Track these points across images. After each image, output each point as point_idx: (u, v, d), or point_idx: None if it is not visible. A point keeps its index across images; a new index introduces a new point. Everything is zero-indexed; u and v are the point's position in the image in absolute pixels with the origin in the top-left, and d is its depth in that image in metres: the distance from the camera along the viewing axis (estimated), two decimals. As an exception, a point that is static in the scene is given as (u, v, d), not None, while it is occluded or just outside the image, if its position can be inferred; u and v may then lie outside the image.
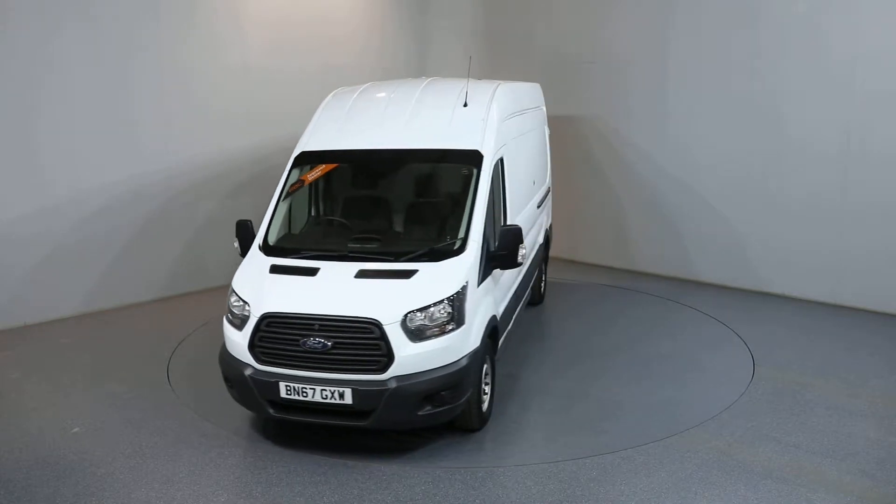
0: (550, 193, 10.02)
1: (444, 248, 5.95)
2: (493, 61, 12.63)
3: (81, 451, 5.85)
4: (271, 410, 5.67)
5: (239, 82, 10.38)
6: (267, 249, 6.31)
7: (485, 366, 5.98)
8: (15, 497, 5.21)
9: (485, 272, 6.00)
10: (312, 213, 7.07)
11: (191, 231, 10.13)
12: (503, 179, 6.84)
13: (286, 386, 5.51)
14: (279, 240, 6.49)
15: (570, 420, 6.34)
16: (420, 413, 5.43)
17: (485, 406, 6.07)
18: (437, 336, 5.44)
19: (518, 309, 7.67)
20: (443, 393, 5.43)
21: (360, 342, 5.40)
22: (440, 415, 5.53)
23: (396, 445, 5.88)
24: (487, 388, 6.13)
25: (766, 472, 5.40)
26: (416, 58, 12.69)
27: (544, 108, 9.82)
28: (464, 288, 5.62)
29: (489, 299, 6.09)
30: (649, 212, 10.89)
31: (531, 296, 9.06)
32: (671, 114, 10.44)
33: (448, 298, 5.50)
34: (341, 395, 5.39)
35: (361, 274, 5.72)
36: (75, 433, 6.16)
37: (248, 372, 5.64)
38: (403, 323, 5.38)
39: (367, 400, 5.37)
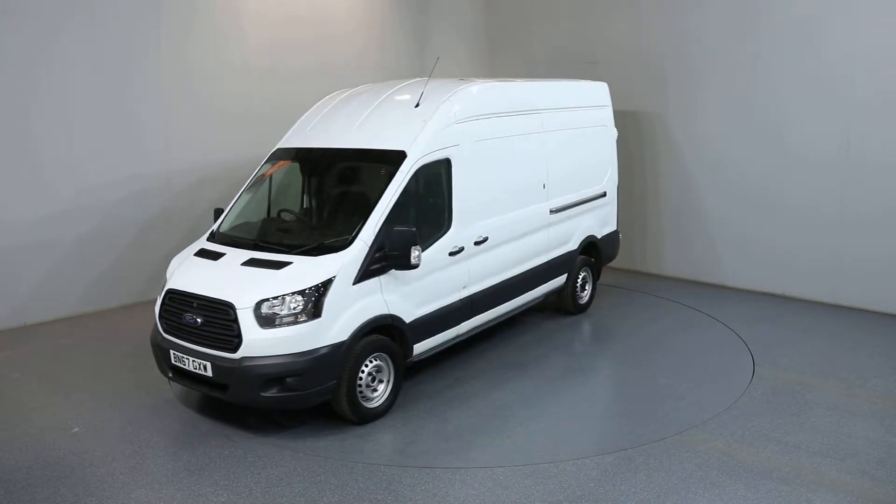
0: (608, 199, 9.34)
1: (333, 243, 6.20)
2: (494, 61, 12.66)
3: (81, 451, 5.85)
4: (170, 374, 6.41)
5: (239, 81, 10.38)
6: (214, 235, 7.01)
7: (373, 363, 6.22)
8: (15, 497, 5.21)
9: (369, 271, 6.12)
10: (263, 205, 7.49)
11: (191, 230, 10.12)
12: (450, 181, 6.87)
13: (174, 354, 6.24)
14: (228, 228, 7.06)
15: (568, 419, 6.33)
16: (265, 394, 5.81)
17: (376, 403, 6.30)
18: (289, 325, 5.76)
19: (481, 318, 7.41)
20: (288, 379, 5.77)
21: (219, 322, 5.93)
22: (288, 400, 5.90)
23: (396, 446, 5.88)
24: (381, 386, 6.34)
25: (766, 472, 5.40)
26: (416, 57, 12.69)
27: (605, 110, 9.30)
28: (326, 283, 5.87)
29: (377, 298, 6.19)
30: (649, 213, 10.89)
31: (566, 304, 8.89)
32: (672, 115, 10.45)
33: (301, 291, 5.80)
34: (205, 368, 6.00)
35: (248, 262, 6.24)
36: (75, 433, 6.16)
37: (157, 338, 6.47)
38: (256, 309, 5.78)
39: (222, 375, 5.91)
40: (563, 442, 5.93)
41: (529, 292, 8.13)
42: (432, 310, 6.74)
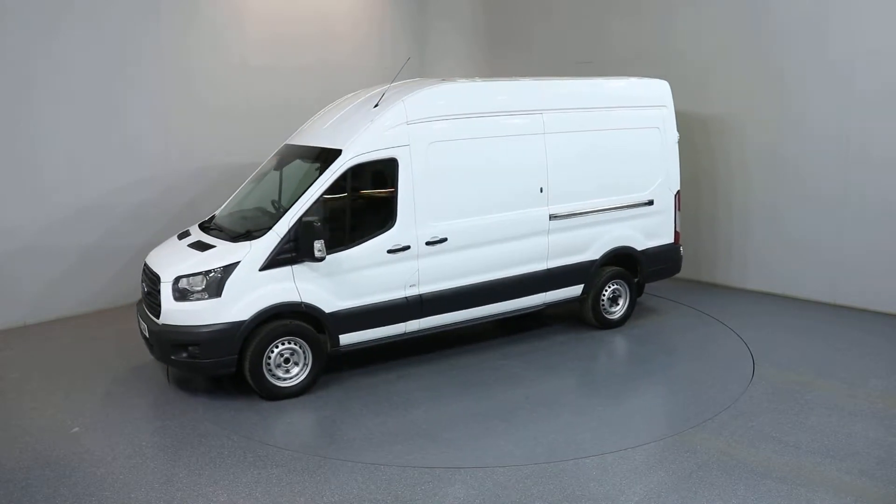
0: (656, 209, 8.56)
1: (257, 233, 6.72)
2: (494, 61, 12.66)
3: (81, 451, 5.85)
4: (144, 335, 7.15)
5: (239, 80, 10.38)
6: (210, 219, 7.65)
7: (285, 345, 6.65)
8: (15, 497, 5.21)
9: (277, 259, 6.57)
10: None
11: (191, 231, 10.14)
12: (395, 180, 7.01)
13: (138, 316, 7.18)
14: (220, 214, 7.66)
15: (570, 419, 6.33)
16: (174, 357, 6.61)
17: (289, 383, 6.73)
18: (195, 300, 6.49)
19: (438, 319, 7.36)
20: (190, 347, 6.49)
21: (153, 291, 6.78)
22: (193, 366, 6.69)
23: (394, 446, 5.89)
24: (295, 369, 6.75)
25: (766, 472, 5.40)
26: (416, 56, 12.68)
27: (659, 111, 8.58)
28: (229, 266, 6.49)
29: (287, 285, 6.61)
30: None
31: (586, 317, 8.41)
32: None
33: (205, 272, 6.50)
34: (145, 330, 6.91)
35: (192, 244, 7.03)
36: (75, 433, 6.16)
37: (138, 303, 7.45)
38: (174, 283, 6.55)
39: (151, 336, 6.78)
40: (562, 441, 5.92)
41: (518, 299, 7.85)
42: (363, 303, 6.94)
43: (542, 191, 7.81)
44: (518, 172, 7.71)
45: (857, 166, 8.90)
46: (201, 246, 6.89)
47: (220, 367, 6.60)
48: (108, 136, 9.32)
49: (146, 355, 7.81)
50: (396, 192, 7.02)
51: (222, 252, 6.66)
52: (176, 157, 9.95)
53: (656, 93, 8.69)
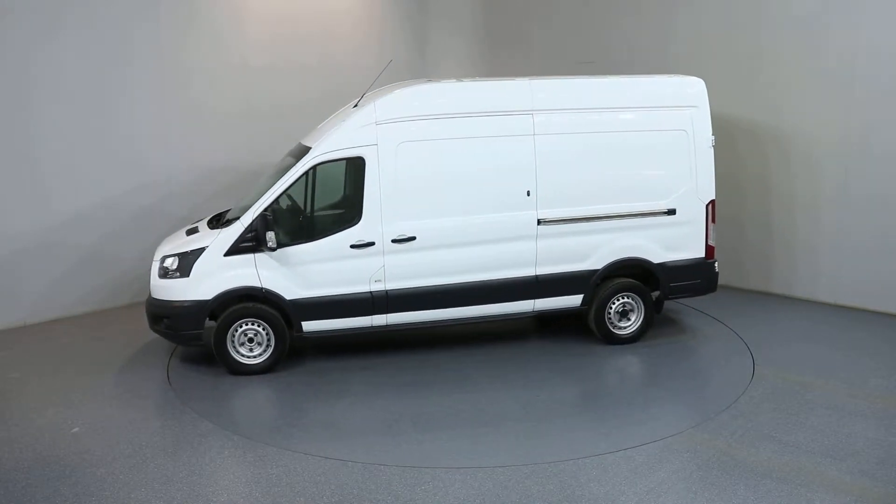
0: (679, 219, 7.83)
1: (233, 222, 7.26)
2: (494, 61, 12.66)
3: (81, 451, 5.86)
4: None
5: (239, 80, 10.37)
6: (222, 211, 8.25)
7: (248, 325, 7.18)
8: (15, 497, 5.21)
9: (240, 247, 7.12)
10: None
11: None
12: (362, 178, 7.23)
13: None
14: (229, 210, 8.03)
15: (571, 419, 6.34)
16: (155, 327, 7.45)
17: (252, 360, 7.27)
18: (171, 278, 7.22)
19: (407, 316, 7.40)
20: (165, 319, 7.27)
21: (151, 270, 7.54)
22: (168, 336, 7.46)
23: (393, 446, 5.89)
24: (259, 348, 7.29)
25: (766, 472, 5.40)
26: (417, 55, 12.68)
27: (686, 111, 7.81)
28: (197, 251, 7.18)
29: (249, 272, 7.13)
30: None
31: (591, 329, 7.94)
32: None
33: (177, 254, 7.26)
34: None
35: (187, 230, 7.82)
36: (75, 433, 6.16)
37: None
38: (161, 262, 7.35)
39: (146, 308, 7.56)
40: (562, 441, 5.92)
41: (501, 304, 7.61)
42: (325, 294, 7.27)
43: (529, 194, 7.48)
44: (500, 175, 7.46)
45: (857, 165, 8.89)
46: (191, 231, 7.66)
47: (188, 340, 7.35)
48: (107, 137, 9.31)
49: (145, 354, 7.88)
50: (363, 189, 7.23)
51: (199, 238, 7.36)
52: (175, 156, 9.93)
53: (686, 92, 7.93)
